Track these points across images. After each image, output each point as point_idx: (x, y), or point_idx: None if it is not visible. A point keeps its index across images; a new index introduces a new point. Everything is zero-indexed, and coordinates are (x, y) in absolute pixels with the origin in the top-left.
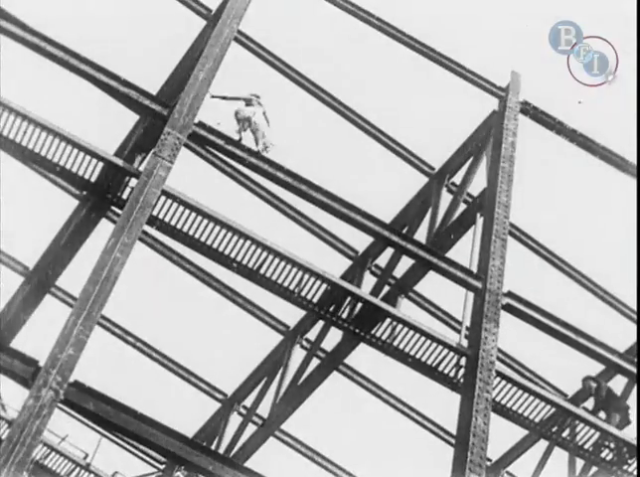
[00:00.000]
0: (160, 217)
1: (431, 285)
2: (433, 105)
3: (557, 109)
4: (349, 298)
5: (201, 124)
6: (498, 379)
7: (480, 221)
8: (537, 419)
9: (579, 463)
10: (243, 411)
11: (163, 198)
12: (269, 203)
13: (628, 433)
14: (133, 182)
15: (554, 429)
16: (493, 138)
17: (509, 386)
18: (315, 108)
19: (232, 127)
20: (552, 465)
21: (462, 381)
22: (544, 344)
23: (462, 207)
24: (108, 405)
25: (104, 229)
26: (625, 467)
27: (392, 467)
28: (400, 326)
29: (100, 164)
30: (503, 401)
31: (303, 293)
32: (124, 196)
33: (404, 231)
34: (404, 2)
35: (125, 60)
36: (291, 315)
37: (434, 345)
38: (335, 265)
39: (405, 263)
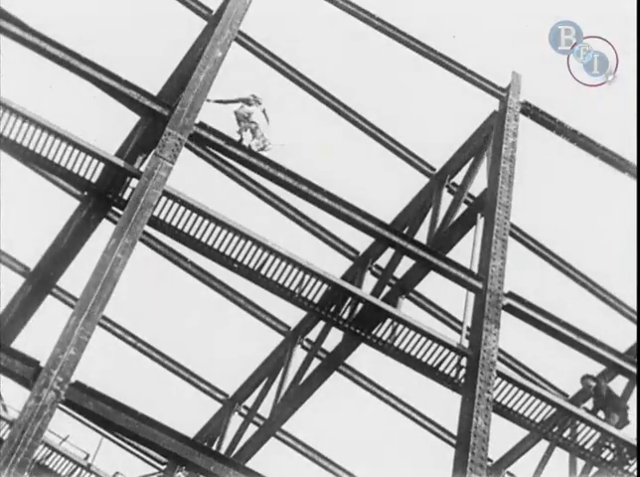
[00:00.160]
0: (161, 217)
1: (432, 286)
2: (434, 106)
3: (557, 109)
4: (350, 299)
5: (202, 125)
6: (499, 379)
7: (481, 221)
8: (537, 420)
9: (580, 463)
10: (245, 412)
11: (164, 198)
12: (270, 203)
13: (628, 434)
14: (134, 182)
15: (554, 430)
16: (494, 139)
17: (510, 386)
18: (315, 109)
19: (232, 128)
20: (552, 465)
21: (463, 381)
22: (544, 344)
23: (463, 207)
24: (109, 406)
25: (105, 229)
26: (626, 467)
27: (392, 467)
28: (400, 326)
29: (101, 165)
30: (504, 402)
31: (304, 294)
32: (125, 196)
33: (405, 231)
34: (405, 2)
35: (126, 60)
36: (292, 315)
37: (435, 345)
38: (336, 266)
39: (406, 264)
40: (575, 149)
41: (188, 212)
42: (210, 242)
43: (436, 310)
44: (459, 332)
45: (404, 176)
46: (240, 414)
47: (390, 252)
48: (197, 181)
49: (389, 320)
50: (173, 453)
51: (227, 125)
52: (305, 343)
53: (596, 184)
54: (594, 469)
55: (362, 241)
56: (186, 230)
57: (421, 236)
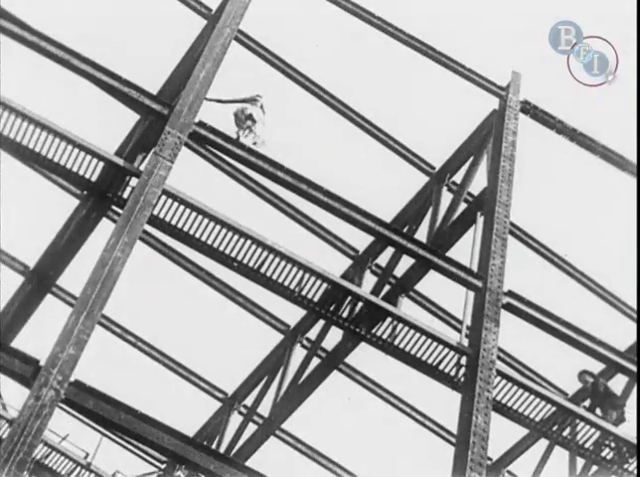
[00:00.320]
0: (161, 216)
1: (432, 284)
2: (434, 104)
3: (557, 110)
4: (349, 297)
5: (201, 124)
6: (498, 378)
7: (480, 220)
8: (537, 418)
9: (580, 462)
10: (244, 411)
11: (164, 197)
12: (270, 202)
13: (628, 432)
14: (134, 181)
15: (554, 428)
16: (493, 137)
17: (509, 385)
18: (315, 107)
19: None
20: (552, 464)
21: (463, 380)
22: (544, 343)
23: (463, 206)
24: (109, 405)
25: (105, 228)
26: (626, 466)
27: (392, 466)
28: (400, 325)
29: (101, 163)
30: (503, 400)
31: (304, 292)
32: (125, 195)
33: (405, 230)
34: (405, 1)
35: (126, 59)
36: (292, 314)
37: (435, 344)
38: (335, 265)
39: (406, 263)
40: (576, 148)
41: (187, 210)
42: (209, 241)
43: (436, 309)
44: (459, 331)
45: (404, 175)
46: (240, 413)
47: (389, 251)
48: (196, 180)
49: (388, 319)
50: (173, 452)
51: (226, 124)
52: (305, 342)
53: (596, 183)
54: (594, 468)
55: (361, 240)
56: (185, 228)
57: (421, 234)
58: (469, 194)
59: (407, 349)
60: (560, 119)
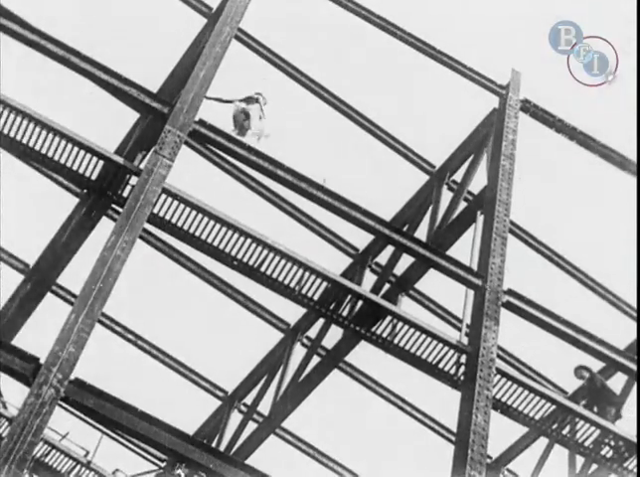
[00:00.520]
0: (160, 215)
1: (432, 283)
2: (434, 103)
3: (557, 109)
4: (349, 296)
5: (201, 122)
6: (498, 376)
7: (480, 219)
8: (537, 417)
9: (580, 460)
10: (244, 409)
11: (163, 196)
12: (270, 201)
13: (628, 431)
14: (134, 180)
15: (554, 427)
16: (493, 136)
17: (509, 383)
18: (315, 106)
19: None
20: (552, 462)
21: (462, 378)
22: (544, 341)
23: (462, 205)
24: (109, 403)
25: (105, 226)
26: (625, 464)
27: (392, 464)
28: (400, 324)
29: (101, 162)
30: (503, 399)
31: (304, 291)
32: (125, 194)
33: (405, 228)
34: (406, 0)
35: (126, 58)
36: (292, 313)
37: (435, 342)
38: (335, 263)
39: (406, 261)
40: (575, 147)
41: (187, 209)
42: (209, 240)
43: (436, 307)
44: (459, 329)
45: (404, 173)
46: (240, 412)
47: (389, 250)
48: (196, 178)
49: (388, 317)
50: (173, 450)
51: (226, 123)
52: (305, 340)
53: (596, 181)
54: (594, 466)
55: (362, 239)
56: (185, 227)
57: (421, 233)
58: (469, 193)
59: (407, 347)
60: (560, 118)
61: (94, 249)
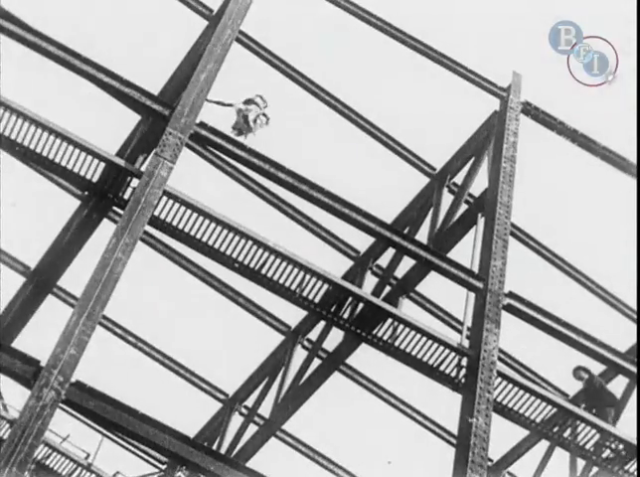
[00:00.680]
0: (162, 217)
1: (433, 286)
2: (434, 106)
3: (557, 109)
4: (350, 298)
5: (202, 124)
6: (499, 379)
7: (481, 221)
8: (538, 420)
9: (580, 463)
10: (245, 412)
11: (165, 198)
12: (271, 203)
13: (629, 433)
14: (135, 182)
15: (555, 430)
16: (494, 138)
17: (510, 386)
18: (317, 108)
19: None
20: (553, 465)
21: (463, 381)
22: (545, 344)
23: (463, 207)
24: (110, 406)
25: (106, 229)
26: (626, 467)
27: (393, 467)
28: (401, 326)
29: (102, 164)
30: (504, 402)
31: (305, 293)
32: (126, 196)
33: (406, 231)
34: (405, 1)
35: (127, 60)
36: (293, 315)
37: (436, 345)
38: (336, 266)
39: (407, 264)
40: (576, 149)
41: (189, 211)
42: (210, 242)
43: (437, 310)
44: (460, 332)
45: (405, 176)
46: (241, 414)
47: (390, 252)
48: (198, 181)
49: (389, 320)
50: (173, 453)
51: (227, 125)
52: (306, 343)
53: (597, 184)
54: (595, 469)
55: (362, 241)
56: (186, 229)
57: (422, 235)
58: (470, 195)
59: (408, 350)
60: (561, 120)
61: (96, 252)
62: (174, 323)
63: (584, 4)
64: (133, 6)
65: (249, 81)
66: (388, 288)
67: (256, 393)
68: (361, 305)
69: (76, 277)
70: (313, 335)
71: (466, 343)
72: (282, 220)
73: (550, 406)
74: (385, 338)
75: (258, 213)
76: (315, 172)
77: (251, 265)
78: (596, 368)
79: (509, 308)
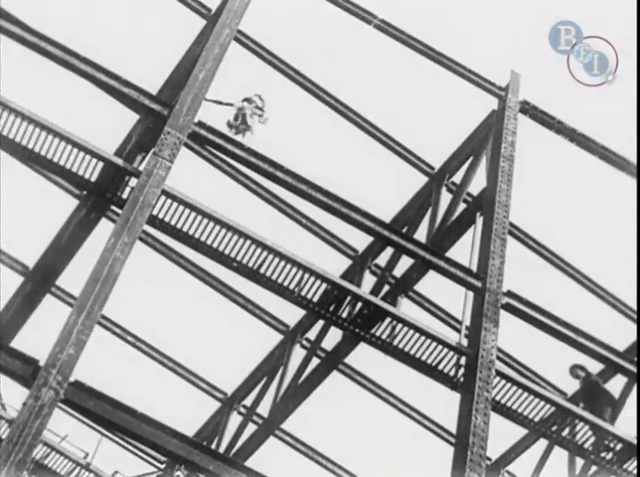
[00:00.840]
0: (160, 216)
1: (431, 285)
2: (433, 105)
3: (557, 110)
4: (349, 298)
5: (201, 124)
6: (498, 378)
7: (480, 220)
8: (536, 419)
9: (579, 462)
10: (244, 411)
11: (163, 197)
12: (269, 202)
13: (628, 432)
14: (133, 181)
15: (553, 428)
16: (493, 138)
17: (509, 385)
18: (315, 108)
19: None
20: (551, 464)
21: (462, 380)
22: (543, 343)
23: (462, 206)
24: (108, 405)
25: (104, 228)
26: (625, 466)
27: (392, 466)
28: (399, 325)
29: (100, 164)
30: (503, 401)
31: (303, 293)
32: (124, 195)
33: (404, 230)
34: (404, 1)
35: (125, 59)
36: (291, 315)
37: (434, 344)
38: (335, 265)
39: (405, 263)
40: (575, 148)
41: (187, 211)
42: (209, 241)
43: (435, 309)
44: (458, 331)
45: (404, 175)
46: (240, 413)
47: (389, 251)
48: (196, 180)
49: (388, 319)
50: (172, 452)
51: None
52: (304, 342)
53: (596, 183)
54: (593, 468)
55: (361, 241)
56: (185, 229)
57: (420, 235)
58: (468, 194)
59: (407, 349)
60: (560, 120)
61: (94, 251)
62: (173, 322)
63: (584, 4)
64: (131, 6)
65: (248, 81)
66: (386, 287)
67: (255, 392)
68: (359, 304)
69: (74, 277)
70: (312, 334)
71: (465, 342)
72: (281, 219)
73: (548, 405)
74: (383, 337)
75: (257, 212)
76: (314, 171)
77: (250, 265)
78: (595, 367)
79: (507, 307)
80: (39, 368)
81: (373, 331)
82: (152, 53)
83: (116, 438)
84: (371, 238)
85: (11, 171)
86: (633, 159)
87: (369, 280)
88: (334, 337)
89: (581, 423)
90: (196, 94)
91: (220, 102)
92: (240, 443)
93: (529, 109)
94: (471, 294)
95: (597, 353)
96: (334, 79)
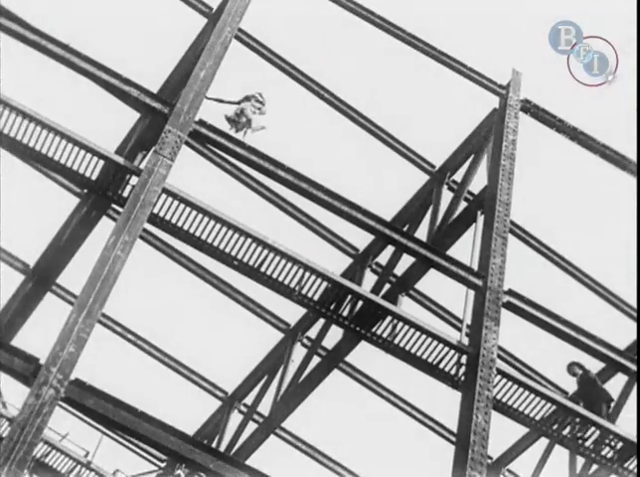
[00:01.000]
0: (161, 215)
1: (432, 283)
2: (434, 103)
3: (557, 109)
4: (350, 296)
5: (201, 122)
6: (499, 377)
7: (481, 219)
8: (537, 417)
9: (580, 461)
10: (244, 409)
11: (164, 196)
12: (270, 201)
13: (629, 431)
14: (134, 180)
15: (554, 427)
16: (494, 136)
17: (509, 383)
18: (316, 106)
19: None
20: (552, 463)
21: (463, 379)
22: (544, 342)
23: (463, 205)
24: (109, 403)
25: (105, 226)
26: (625, 465)
27: (392, 465)
28: (400, 324)
29: (101, 162)
30: (504, 399)
31: (304, 291)
32: (125, 194)
33: (405, 228)
34: (406, 1)
35: (126, 57)
36: (292, 313)
37: (435, 343)
38: (336, 263)
39: (406, 261)
40: (575, 147)
41: (188, 209)
42: (210, 240)
43: (436, 308)
44: (459, 330)
45: (405, 173)
46: (240, 412)
47: (390, 250)
48: (197, 178)
49: (389, 318)
50: (173, 451)
51: (226, 123)
52: (305, 340)
53: (596, 181)
54: (594, 467)
55: (362, 239)
56: (186, 227)
57: (421, 233)
58: (469, 193)
59: (408, 348)
60: (561, 118)
61: (95, 249)
62: (173, 321)
63: (584, 4)
64: (133, 4)
65: (249, 79)
66: (387, 286)
67: (256, 390)
68: (360, 303)
69: (75, 275)
70: (312, 333)
71: (466, 341)
72: (282, 217)
73: (549, 404)
74: (384, 336)
75: (258, 210)
76: (314, 170)
77: (251, 263)
78: (596, 365)
79: (508, 306)
80: (39, 366)
81: (374, 329)
82: (153, 51)
83: (117, 437)
84: (372, 237)
85: (12, 169)
86: (633, 158)
87: (370, 279)
88: (335, 335)
89: (582, 422)
90: (197, 93)
91: (221, 101)
92: (240, 442)
93: (530, 108)
94: (472, 293)
95: (598, 351)
96: (335, 77)
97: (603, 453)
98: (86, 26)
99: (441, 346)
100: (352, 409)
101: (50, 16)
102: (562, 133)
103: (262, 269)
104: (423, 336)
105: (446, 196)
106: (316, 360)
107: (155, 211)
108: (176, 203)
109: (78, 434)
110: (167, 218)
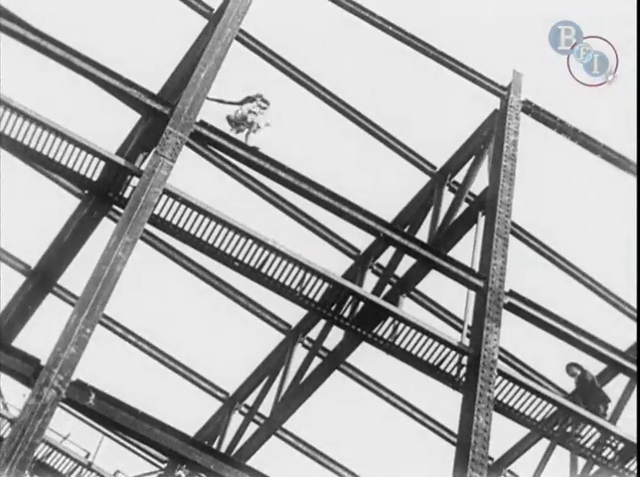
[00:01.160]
0: (162, 216)
1: (433, 284)
2: (435, 104)
3: (557, 109)
4: (351, 297)
5: (202, 123)
6: (500, 377)
7: (482, 220)
8: (538, 418)
9: (581, 462)
10: (245, 410)
11: (165, 197)
12: (271, 201)
13: (629, 432)
14: (135, 181)
15: (555, 428)
16: (495, 137)
17: (510, 384)
18: (317, 107)
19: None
20: (553, 464)
21: (464, 380)
22: (545, 343)
23: (464, 206)
24: (110, 404)
25: (106, 227)
26: (626, 466)
27: (393, 466)
28: (401, 325)
29: (102, 163)
30: (505, 400)
31: (305, 292)
32: (126, 195)
33: (406, 229)
34: (406, 1)
35: (127, 58)
36: (293, 314)
37: (436, 344)
38: (337, 264)
39: (407, 262)
40: (576, 147)
41: (189, 210)
42: (210, 241)
43: (437, 309)
44: (460, 331)
45: (406, 174)
46: (241, 413)
47: (391, 251)
48: (198, 179)
49: (390, 319)
50: (174, 452)
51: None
52: (306, 341)
53: (597, 182)
54: (595, 467)
55: (363, 240)
56: (187, 228)
57: (422, 234)
58: (470, 194)
59: (409, 349)
60: (562, 119)
61: (96, 250)
62: (174, 322)
63: (584, 4)
64: (133, 5)
65: (250, 80)
66: (388, 287)
67: (257, 391)
68: (361, 304)
69: (76, 276)
70: (313, 334)
71: (467, 341)
72: (282, 218)
73: (550, 405)
74: (385, 337)
75: (259, 211)
76: (315, 170)
77: (252, 264)
78: (596, 366)
79: (509, 307)
80: (40, 367)
81: (374, 330)
82: (154, 52)
83: (118, 438)
84: (372, 238)
85: (13, 170)
86: (633, 158)
87: (371, 280)
88: (336, 336)
89: (583, 423)
90: (198, 94)
91: (222, 101)
92: (241, 443)
93: (531, 109)
94: (473, 294)
95: (599, 352)
96: (335, 77)
97: (604, 454)
98: (87, 26)
99: (442, 347)
100: (353, 410)
101: (50, 16)
102: (563, 134)
103: (263, 270)
104: (424, 337)
105: (447, 197)
106: (317, 361)
107: (156, 212)
108: (177, 204)
109: (78, 435)
110: (168, 219)
